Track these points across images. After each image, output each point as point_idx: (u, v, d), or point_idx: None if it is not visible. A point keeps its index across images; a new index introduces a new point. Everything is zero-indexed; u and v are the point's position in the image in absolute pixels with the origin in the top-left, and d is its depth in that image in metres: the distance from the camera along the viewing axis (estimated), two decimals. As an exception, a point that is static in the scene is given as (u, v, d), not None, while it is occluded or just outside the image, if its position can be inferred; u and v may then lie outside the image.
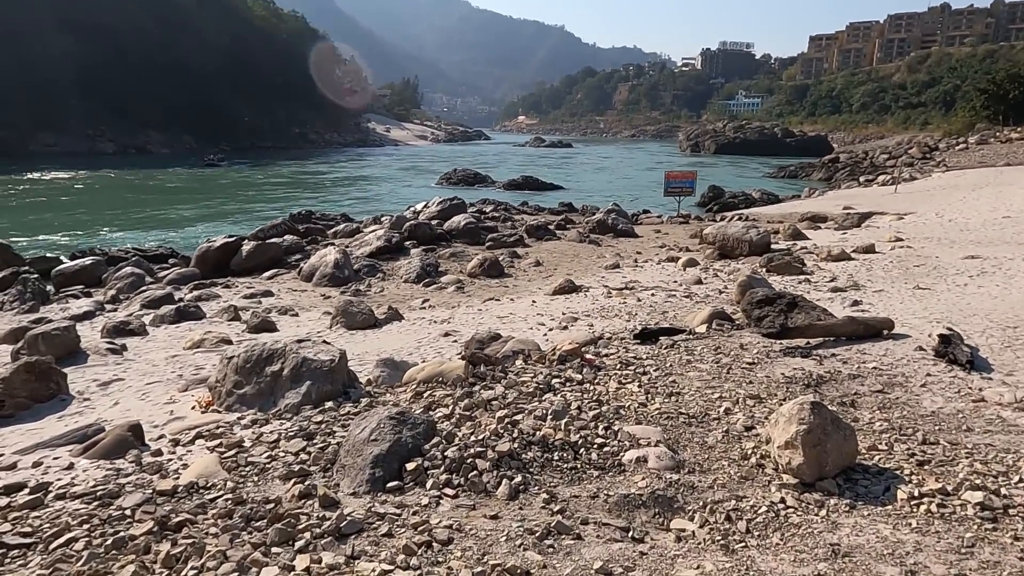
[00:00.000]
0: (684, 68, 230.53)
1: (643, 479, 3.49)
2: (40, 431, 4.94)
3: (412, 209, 21.09)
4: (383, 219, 18.98)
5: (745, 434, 4.11)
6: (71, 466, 4.11)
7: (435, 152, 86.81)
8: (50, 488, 3.73)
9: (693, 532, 3.02)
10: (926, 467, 3.57)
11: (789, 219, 19.17)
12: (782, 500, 3.22)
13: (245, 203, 33.19)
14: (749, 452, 3.79)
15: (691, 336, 6.59)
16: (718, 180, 35.34)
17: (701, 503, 3.25)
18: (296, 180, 46.63)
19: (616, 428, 4.14)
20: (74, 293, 12.13)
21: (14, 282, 12.06)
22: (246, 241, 14.86)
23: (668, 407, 4.56)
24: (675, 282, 10.77)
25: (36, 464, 4.19)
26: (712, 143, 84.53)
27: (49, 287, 12.69)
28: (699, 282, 10.58)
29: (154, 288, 11.80)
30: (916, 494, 3.22)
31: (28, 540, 3.07)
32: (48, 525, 3.21)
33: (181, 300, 10.80)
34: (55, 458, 4.27)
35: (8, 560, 2.92)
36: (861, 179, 37.42)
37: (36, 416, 5.42)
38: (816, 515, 3.11)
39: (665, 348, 6.14)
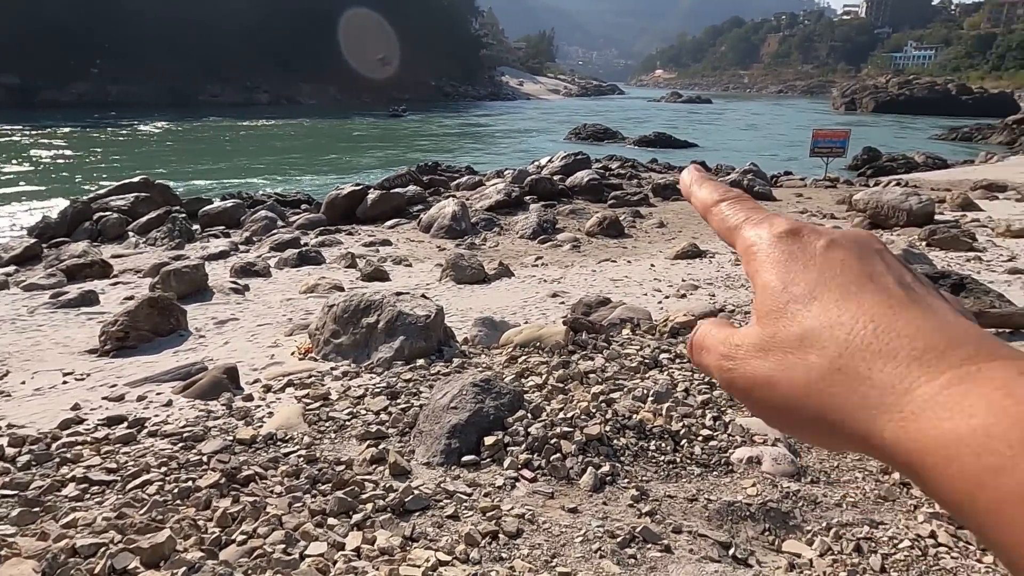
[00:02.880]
0: (845, 16, 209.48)
1: (754, 485, 2.97)
2: (154, 364, 5.16)
3: (535, 163, 20.67)
4: (505, 173, 18.73)
5: (887, 441, 3.43)
6: (170, 403, 4.20)
7: (566, 106, 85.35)
8: (145, 424, 3.81)
9: (811, 561, 2.49)
10: None
11: (959, 187, 16.81)
12: (932, 534, 2.59)
13: (424, 151, 34.73)
14: (891, 465, 3.13)
15: (828, 316, 5.78)
16: (875, 141, 31.80)
17: (824, 524, 2.69)
18: (464, 131, 48.64)
19: (727, 419, 3.60)
20: (215, 233, 12.94)
21: (166, 220, 13.07)
22: (372, 190, 15.17)
23: (793, 398, 3.94)
24: (815, 252, 9.67)
25: (141, 398, 4.33)
26: (871, 100, 76.61)
27: (196, 226, 13.65)
28: (843, 254, 9.43)
29: (283, 232, 12.33)
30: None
31: (110, 477, 3.09)
32: (132, 463, 3.23)
33: (306, 245, 11.18)
34: (158, 393, 4.39)
35: (87, 496, 2.94)
36: (1054, 144, 32.36)
37: (156, 349, 5.69)
38: (978, 561, 2.46)
39: (796, 328, 5.41)
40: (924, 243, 9.78)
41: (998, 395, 0.24)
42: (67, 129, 40.31)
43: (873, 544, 2.55)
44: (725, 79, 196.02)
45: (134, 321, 5.73)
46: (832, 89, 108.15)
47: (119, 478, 3.08)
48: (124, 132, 40.59)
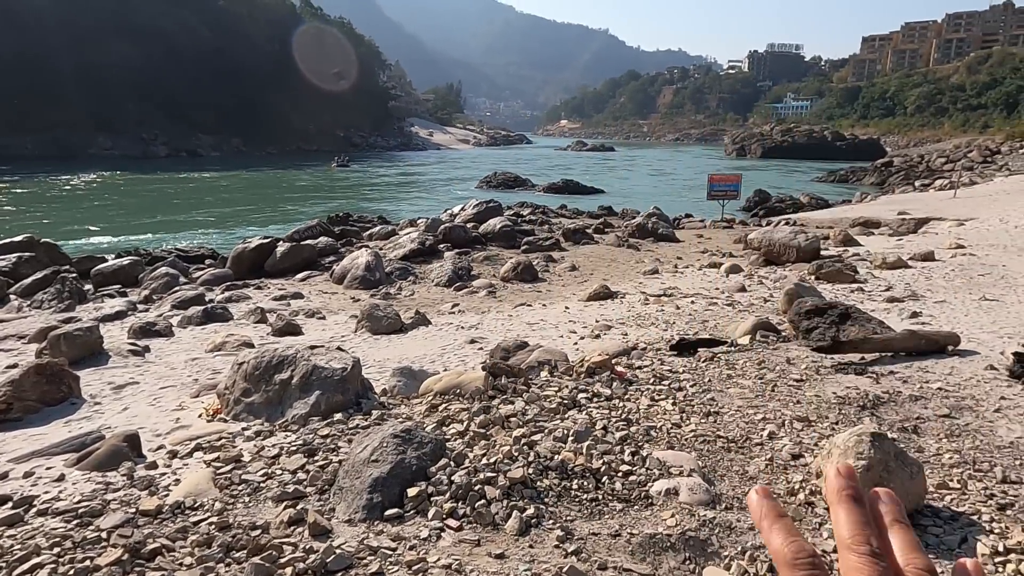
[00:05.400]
0: (730, 71, 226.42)
1: (673, 516, 3.06)
2: (43, 437, 4.77)
3: (448, 212, 20.87)
4: (419, 222, 18.79)
5: (792, 463, 3.64)
6: (62, 478, 3.89)
7: (477, 156, 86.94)
8: (34, 503, 3.50)
9: (729, 585, 2.58)
10: (1008, 512, 3.05)
11: (840, 224, 18.28)
12: (835, 549, 2.75)
13: (370, 201, 34.67)
14: (797, 486, 3.32)
15: (733, 348, 6.10)
16: (764, 184, 34.20)
17: (739, 548, 2.81)
18: (406, 181, 49.10)
19: (645, 453, 3.71)
20: (110, 293, 12.20)
21: (54, 280, 12.21)
22: (281, 242, 14.82)
23: (705, 429, 4.12)
24: (717, 289, 10.21)
25: (28, 474, 3.98)
26: (758, 146, 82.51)
27: (88, 286, 12.81)
28: (743, 290, 10.00)
29: (186, 288, 11.78)
30: (1000, 548, 2.71)
31: (-7, 564, 2.82)
32: (19, 547, 2.96)
33: (211, 301, 10.73)
34: (48, 468, 4.06)
35: (-34, 587, 2.67)
36: (916, 184, 35.87)
37: (44, 420, 5.26)
38: (878, 570, 2.63)
39: (704, 361, 5.67)
40: (813, 277, 10.52)
41: None
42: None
43: (785, 563, 2.67)
44: (626, 128, 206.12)
45: (18, 391, 5.29)
46: (724, 137, 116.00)
47: (4, 564, 2.81)
48: (4, 189, 37.80)
